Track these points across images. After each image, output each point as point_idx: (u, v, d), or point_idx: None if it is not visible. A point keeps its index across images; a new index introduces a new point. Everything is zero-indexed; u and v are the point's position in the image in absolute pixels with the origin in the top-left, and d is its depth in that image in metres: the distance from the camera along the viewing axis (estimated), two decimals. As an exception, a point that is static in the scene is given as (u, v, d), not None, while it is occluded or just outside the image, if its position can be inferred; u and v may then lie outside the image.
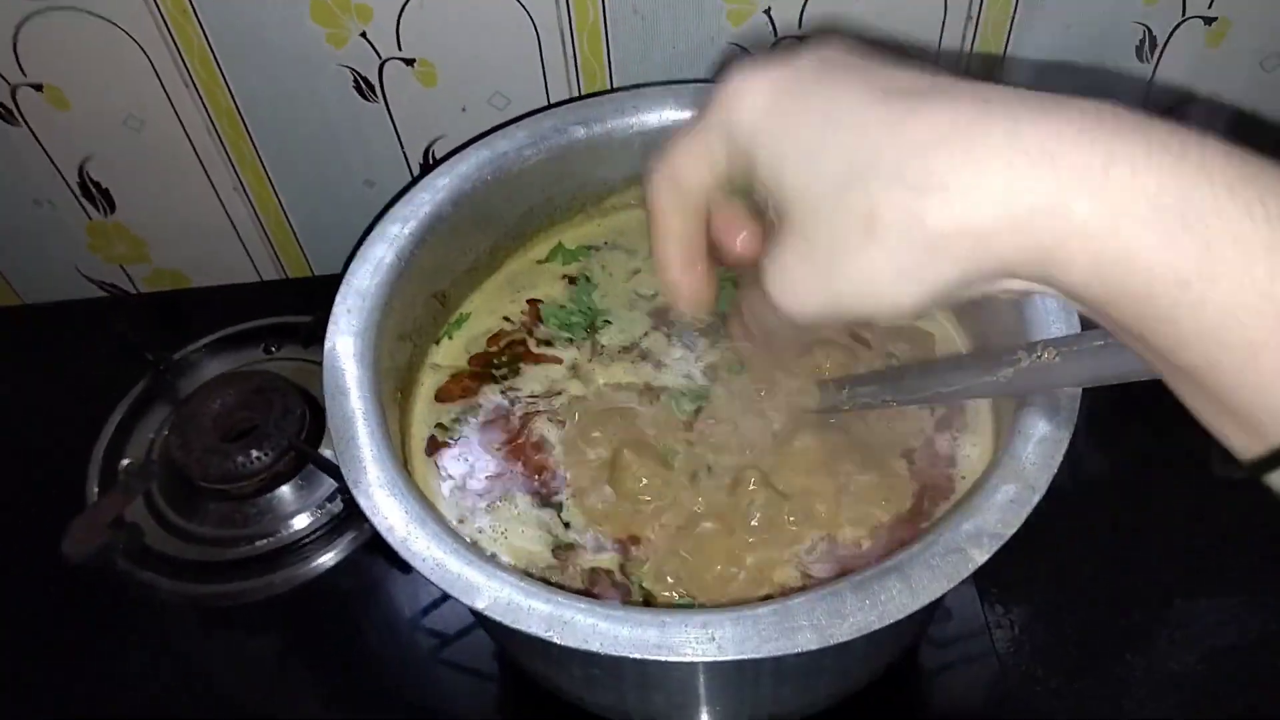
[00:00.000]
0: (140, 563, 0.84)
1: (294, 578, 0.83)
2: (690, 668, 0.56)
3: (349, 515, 0.86)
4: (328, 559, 0.84)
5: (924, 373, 0.62)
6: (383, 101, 0.90)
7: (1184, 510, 0.83)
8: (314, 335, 0.95)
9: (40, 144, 0.93)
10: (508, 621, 0.50)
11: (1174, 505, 0.84)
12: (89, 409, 0.94)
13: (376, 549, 0.85)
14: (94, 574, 0.83)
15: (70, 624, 0.83)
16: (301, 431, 0.88)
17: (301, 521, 0.86)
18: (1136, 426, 0.79)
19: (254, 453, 0.85)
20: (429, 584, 0.78)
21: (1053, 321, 0.61)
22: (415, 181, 0.73)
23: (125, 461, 0.91)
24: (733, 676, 0.59)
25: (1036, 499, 0.53)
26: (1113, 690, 0.77)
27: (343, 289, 0.65)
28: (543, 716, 0.75)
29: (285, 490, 0.87)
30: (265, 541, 0.85)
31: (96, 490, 0.89)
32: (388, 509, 0.55)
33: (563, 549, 0.63)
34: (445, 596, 0.78)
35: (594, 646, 0.49)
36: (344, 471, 0.56)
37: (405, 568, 0.82)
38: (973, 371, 0.56)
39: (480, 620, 0.73)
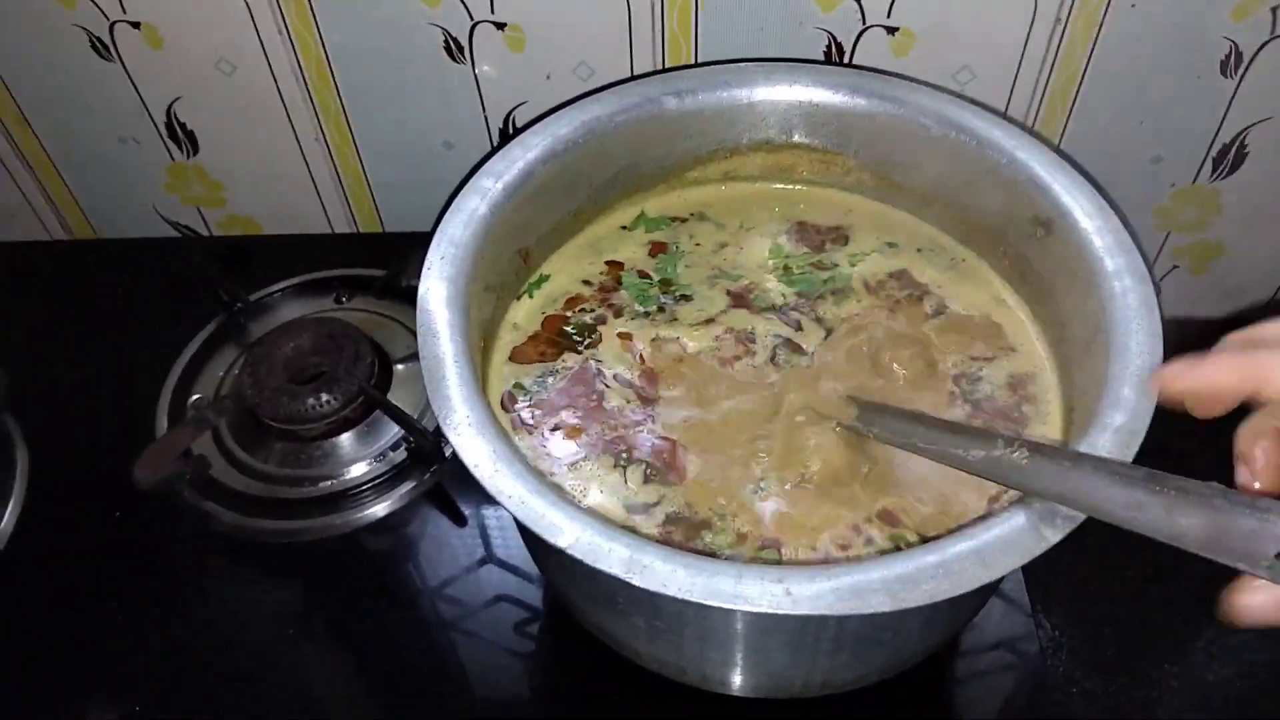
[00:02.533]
0: (204, 494, 0.86)
1: (350, 521, 0.85)
2: (754, 625, 0.58)
3: (410, 464, 0.87)
4: (383, 507, 0.86)
5: (912, 422, 0.64)
6: (470, 63, 0.91)
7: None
8: (387, 288, 0.98)
9: (132, 81, 0.96)
10: (589, 561, 0.52)
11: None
12: (160, 345, 0.96)
13: (434, 500, 0.87)
14: (160, 501, 0.85)
15: (136, 547, 0.85)
16: (372, 379, 0.89)
17: (361, 468, 0.88)
18: (1187, 434, 0.80)
19: (324, 396, 0.87)
20: (471, 544, 0.84)
21: (1133, 318, 0.61)
22: (502, 143, 0.75)
23: (195, 397, 0.93)
24: (794, 637, 0.60)
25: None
26: (1147, 695, 0.77)
27: (438, 236, 0.67)
28: (589, 672, 0.76)
29: (349, 436, 0.89)
30: (328, 484, 0.87)
31: (165, 423, 0.91)
32: (475, 447, 0.57)
33: (638, 509, 0.64)
34: (484, 560, 0.82)
35: (670, 590, 0.50)
36: (435, 410, 0.58)
37: (462, 520, 0.86)
38: (951, 440, 0.59)
39: (544, 565, 0.75)
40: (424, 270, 0.65)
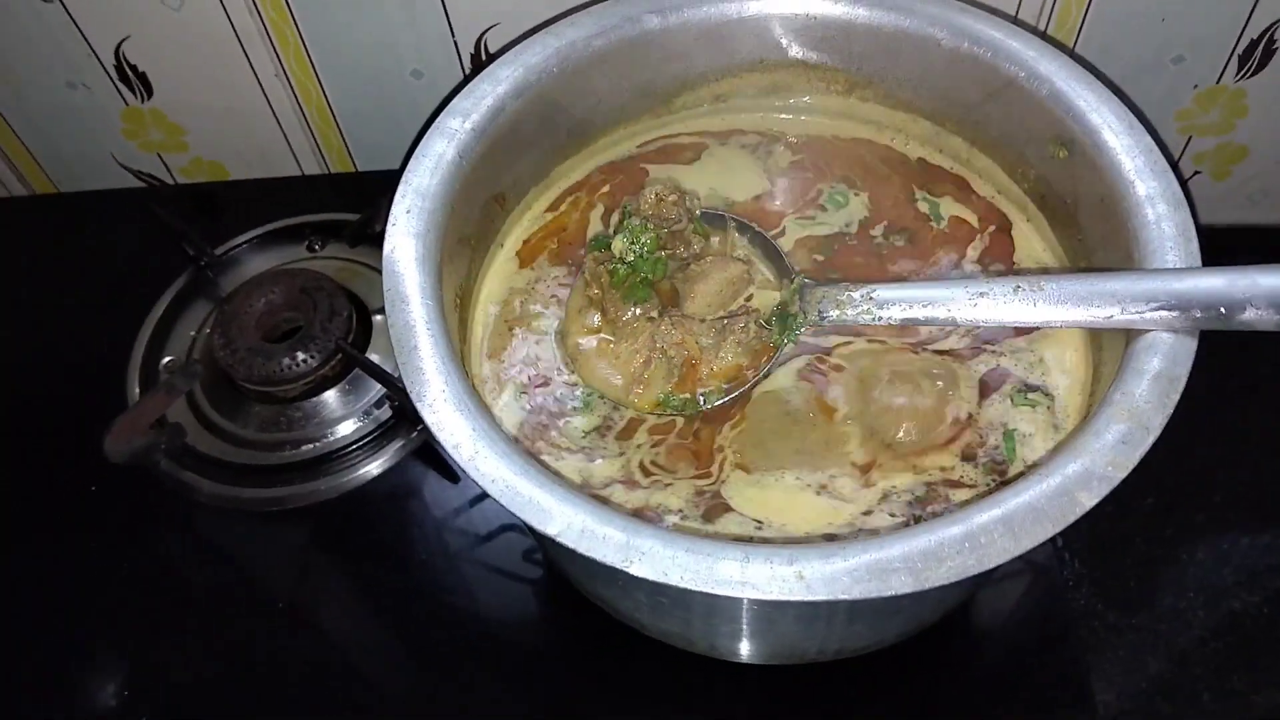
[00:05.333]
0: (182, 463, 0.82)
1: (339, 485, 0.81)
2: (764, 602, 0.54)
3: (396, 423, 0.83)
4: (373, 467, 0.82)
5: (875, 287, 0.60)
6: (436, -15, 0.84)
7: (1256, 446, 0.80)
8: (360, 234, 0.92)
9: (75, 22, 0.89)
10: (581, 549, 0.47)
11: (1245, 441, 0.80)
12: (129, 304, 0.91)
13: (424, 458, 0.83)
14: (136, 473, 0.81)
15: (112, 523, 0.81)
16: (349, 334, 0.84)
17: (347, 428, 0.83)
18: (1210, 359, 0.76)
19: (299, 355, 0.82)
20: (473, 489, 0.80)
21: (1169, 248, 0.56)
22: (474, 73, 0.68)
23: (167, 359, 0.88)
24: (806, 612, 0.56)
25: (1151, 440, 0.49)
26: (1170, 627, 0.74)
27: (401, 188, 0.61)
28: (594, 631, 0.72)
29: (331, 395, 0.84)
30: (310, 447, 0.82)
31: (138, 388, 0.86)
32: (453, 425, 0.52)
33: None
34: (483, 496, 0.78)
35: (673, 580, 0.46)
36: (407, 384, 0.53)
37: (455, 477, 0.82)
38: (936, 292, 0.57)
39: (540, 541, 0.71)
40: (389, 227, 0.59)
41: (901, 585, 0.46)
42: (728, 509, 0.59)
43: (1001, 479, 0.58)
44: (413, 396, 0.53)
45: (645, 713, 0.70)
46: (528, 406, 0.64)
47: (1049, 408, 0.61)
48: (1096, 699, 0.68)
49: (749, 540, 0.55)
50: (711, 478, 0.60)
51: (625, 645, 0.70)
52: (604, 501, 0.58)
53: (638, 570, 0.47)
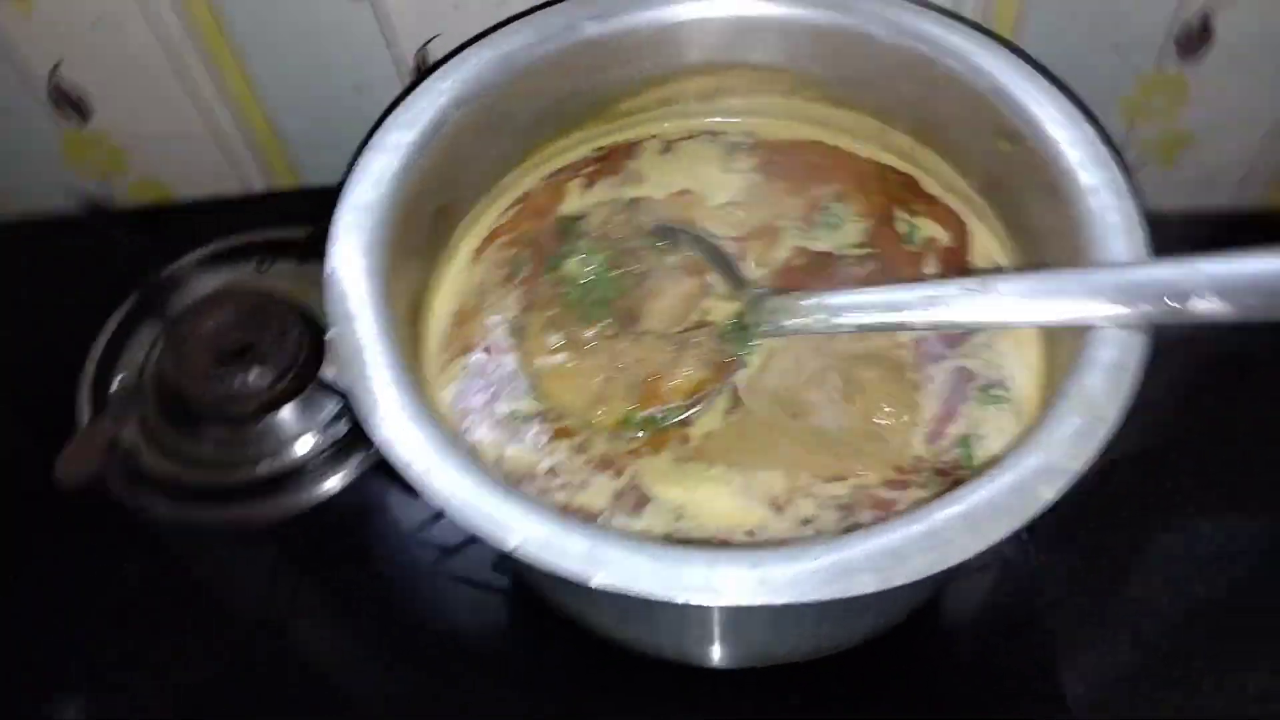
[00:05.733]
0: (136, 487, 0.80)
1: (298, 502, 0.80)
2: (730, 608, 0.53)
3: (355, 437, 0.82)
4: (334, 483, 0.81)
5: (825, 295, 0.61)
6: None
7: (1214, 433, 0.81)
8: (310, 250, 0.90)
9: (5, 47, 0.87)
10: (543, 562, 0.47)
11: (1204, 428, 0.81)
12: (76, 329, 0.89)
13: (385, 471, 0.81)
14: (89, 499, 0.79)
15: (66, 550, 0.79)
16: (301, 352, 0.83)
17: (305, 444, 0.82)
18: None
19: (252, 374, 0.81)
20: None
21: (1112, 238, 0.56)
22: (413, 86, 0.67)
23: (118, 380, 0.86)
24: (774, 615, 0.55)
25: (1107, 431, 0.49)
26: (1137, 616, 0.74)
27: (341, 205, 0.60)
28: (563, 640, 0.72)
29: (286, 412, 0.83)
30: (267, 465, 0.81)
31: (88, 413, 0.84)
32: (406, 441, 0.51)
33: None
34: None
35: (638, 589, 0.46)
36: (354, 403, 0.52)
37: (413, 491, 0.81)
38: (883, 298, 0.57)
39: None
40: (330, 242, 0.58)
41: (866, 585, 0.46)
42: (647, 500, 0.59)
43: (954, 482, 0.58)
44: (363, 418, 0.52)
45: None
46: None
47: (1010, 404, 0.61)
48: (1066, 690, 0.68)
49: (711, 546, 0.55)
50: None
51: (594, 654, 0.69)
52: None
53: (600, 581, 0.46)
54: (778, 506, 0.58)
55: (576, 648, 0.71)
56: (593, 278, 0.65)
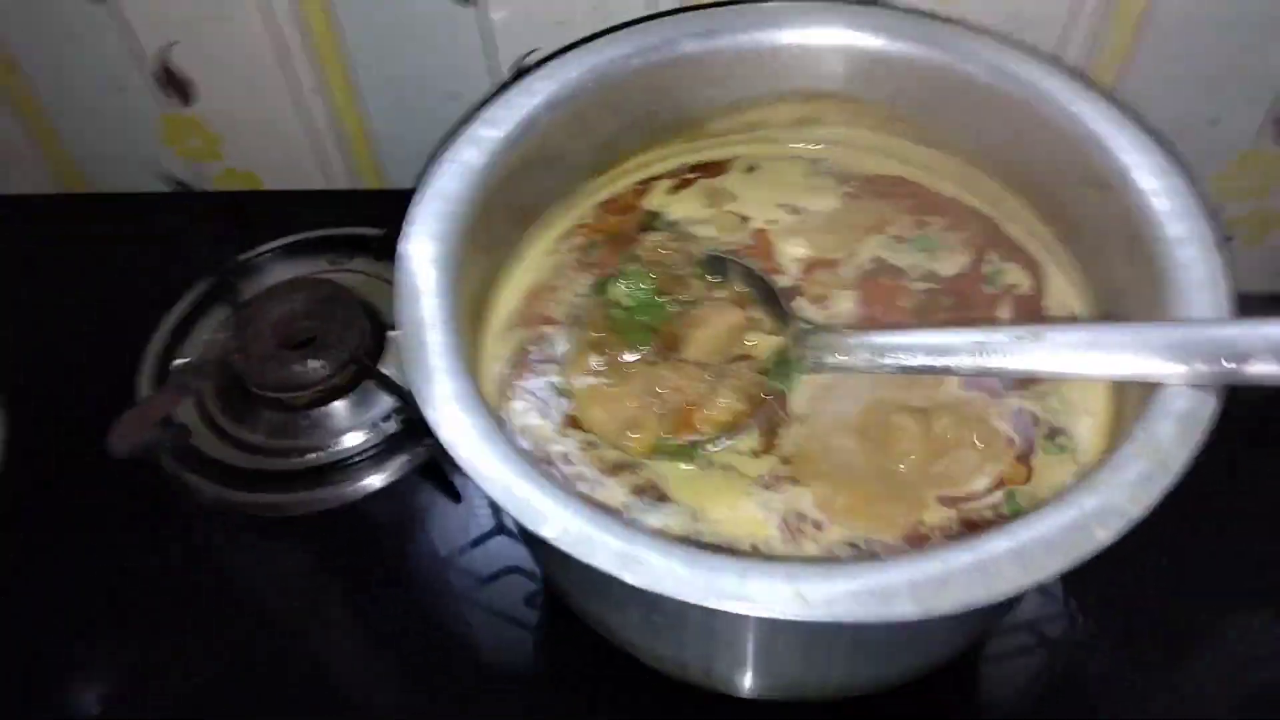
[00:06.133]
0: (185, 464, 0.81)
1: (340, 495, 0.80)
2: (762, 623, 0.52)
3: (402, 437, 0.82)
4: (376, 480, 0.80)
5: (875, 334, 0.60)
6: (477, 7, 0.85)
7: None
8: (386, 249, 0.90)
9: (123, 26, 0.90)
10: (577, 554, 0.46)
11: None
12: (148, 305, 0.91)
13: (429, 474, 0.81)
14: (139, 470, 0.80)
15: (111, 518, 0.80)
16: (363, 346, 0.84)
17: (353, 439, 0.82)
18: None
19: (312, 363, 0.81)
20: (479, 515, 0.78)
21: (1195, 291, 0.54)
22: (507, 85, 0.68)
23: (180, 361, 0.88)
24: (808, 638, 0.54)
25: (1171, 480, 0.47)
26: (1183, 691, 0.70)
27: (424, 190, 0.61)
28: (583, 665, 0.71)
29: (340, 405, 0.84)
30: (315, 455, 0.81)
31: (147, 389, 0.86)
32: (455, 424, 0.51)
33: None
34: (495, 531, 0.77)
35: (665, 589, 0.45)
36: (411, 380, 0.52)
37: (456, 496, 0.80)
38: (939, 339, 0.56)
39: (535, 550, 0.70)
40: (406, 226, 0.59)
41: (904, 610, 0.44)
42: (666, 498, 0.58)
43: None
44: (416, 393, 0.52)
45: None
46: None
47: (1073, 455, 0.59)
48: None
49: (748, 555, 0.53)
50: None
51: (622, 686, 0.68)
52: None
53: (633, 579, 0.45)
54: (791, 531, 0.56)
55: (601, 678, 0.70)
56: (638, 302, 0.65)
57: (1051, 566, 0.45)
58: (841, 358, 0.60)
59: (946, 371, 0.58)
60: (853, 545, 0.56)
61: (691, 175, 0.75)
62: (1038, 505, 0.55)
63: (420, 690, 0.72)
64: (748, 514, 0.57)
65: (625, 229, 0.72)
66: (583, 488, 0.58)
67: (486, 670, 0.73)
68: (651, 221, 0.71)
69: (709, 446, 0.60)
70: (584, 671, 0.71)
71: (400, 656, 0.73)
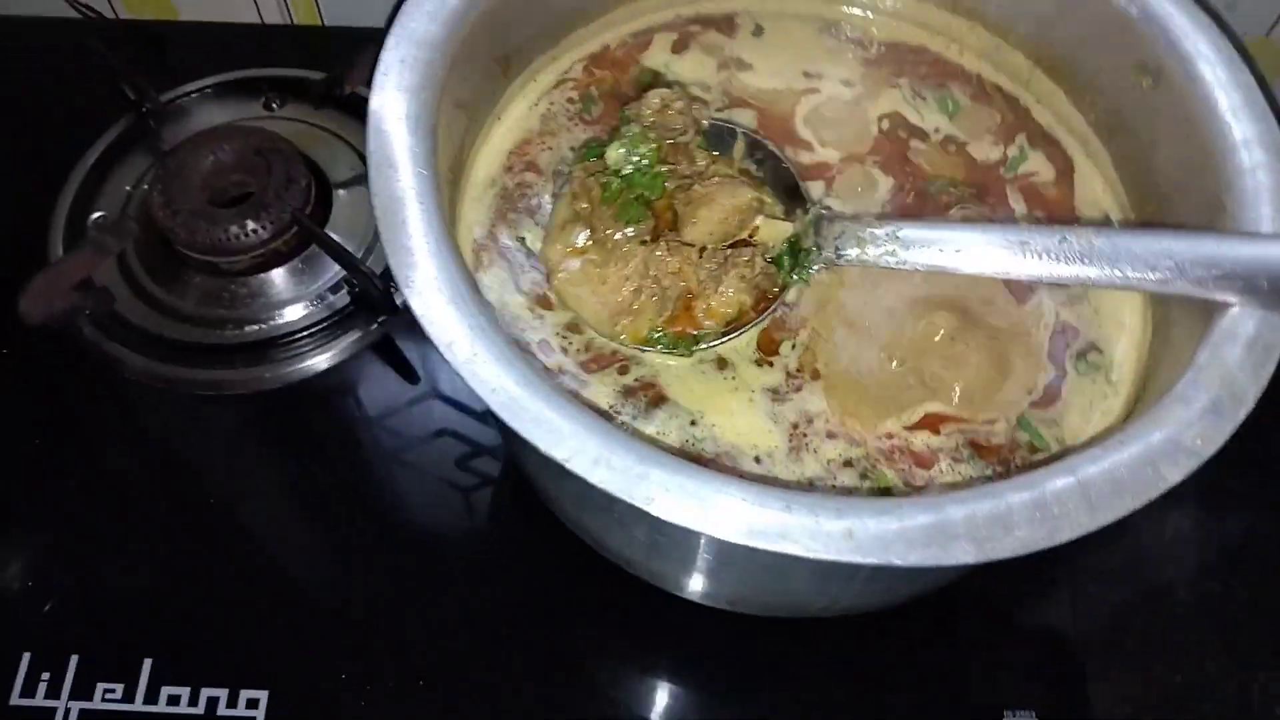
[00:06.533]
0: (108, 333, 0.72)
1: (281, 374, 0.72)
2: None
3: (354, 311, 0.74)
4: (322, 359, 0.73)
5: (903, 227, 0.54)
6: None
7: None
8: (327, 95, 0.82)
9: None
10: (594, 480, 0.40)
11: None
12: (58, 149, 0.81)
13: (383, 353, 0.74)
14: (56, 338, 0.71)
15: (26, 390, 0.72)
16: (307, 205, 0.75)
17: (297, 312, 0.74)
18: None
19: (249, 223, 0.73)
20: (440, 399, 0.72)
21: (1264, 201, 0.49)
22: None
23: (97, 215, 0.78)
24: (828, 567, 0.49)
25: (1244, 413, 0.43)
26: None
27: (395, 33, 0.52)
28: (545, 545, 0.66)
29: (282, 273, 0.75)
30: (254, 329, 0.74)
31: (62, 245, 0.76)
32: (446, 319, 0.44)
33: None
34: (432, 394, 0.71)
35: (703, 527, 0.39)
36: (392, 265, 0.45)
37: (415, 377, 0.74)
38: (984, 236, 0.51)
39: (508, 439, 0.64)
40: (377, 77, 0.50)
41: (963, 554, 0.39)
42: (664, 399, 0.53)
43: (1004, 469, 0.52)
44: (399, 280, 0.45)
45: (597, 638, 0.65)
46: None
47: (1105, 374, 0.54)
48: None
49: (788, 486, 0.48)
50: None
51: (564, 560, 0.64)
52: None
53: (659, 510, 0.40)
54: (797, 438, 0.52)
55: (550, 549, 0.65)
56: (636, 171, 0.57)
57: (1118, 508, 0.41)
58: (863, 251, 0.54)
59: (979, 273, 0.52)
60: (849, 463, 0.52)
61: (693, 29, 0.67)
62: (1062, 433, 0.52)
63: (363, 567, 0.67)
64: (752, 422, 0.52)
65: (622, 86, 0.64)
66: (567, 383, 0.52)
67: (432, 541, 0.68)
68: (653, 81, 0.63)
69: (709, 341, 0.54)
70: (530, 534, 0.67)
71: (338, 532, 0.68)
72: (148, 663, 0.61)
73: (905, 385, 0.54)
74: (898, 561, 0.39)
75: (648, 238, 0.55)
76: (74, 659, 0.61)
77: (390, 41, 0.52)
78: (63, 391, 0.72)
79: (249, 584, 0.65)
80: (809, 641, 0.62)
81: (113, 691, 0.60)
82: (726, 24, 0.67)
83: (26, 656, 0.61)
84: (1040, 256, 0.50)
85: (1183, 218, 0.54)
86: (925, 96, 0.64)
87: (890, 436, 0.53)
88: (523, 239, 0.58)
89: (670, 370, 0.54)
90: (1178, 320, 0.52)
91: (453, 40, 0.53)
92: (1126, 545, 0.68)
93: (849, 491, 0.51)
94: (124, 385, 0.71)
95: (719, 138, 0.60)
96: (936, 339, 0.54)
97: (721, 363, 0.54)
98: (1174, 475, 0.42)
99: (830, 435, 0.52)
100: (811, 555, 0.39)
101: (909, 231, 0.53)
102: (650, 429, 0.52)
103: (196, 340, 0.73)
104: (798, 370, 0.54)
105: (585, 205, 0.56)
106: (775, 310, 0.55)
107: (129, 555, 0.66)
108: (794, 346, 0.55)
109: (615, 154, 0.56)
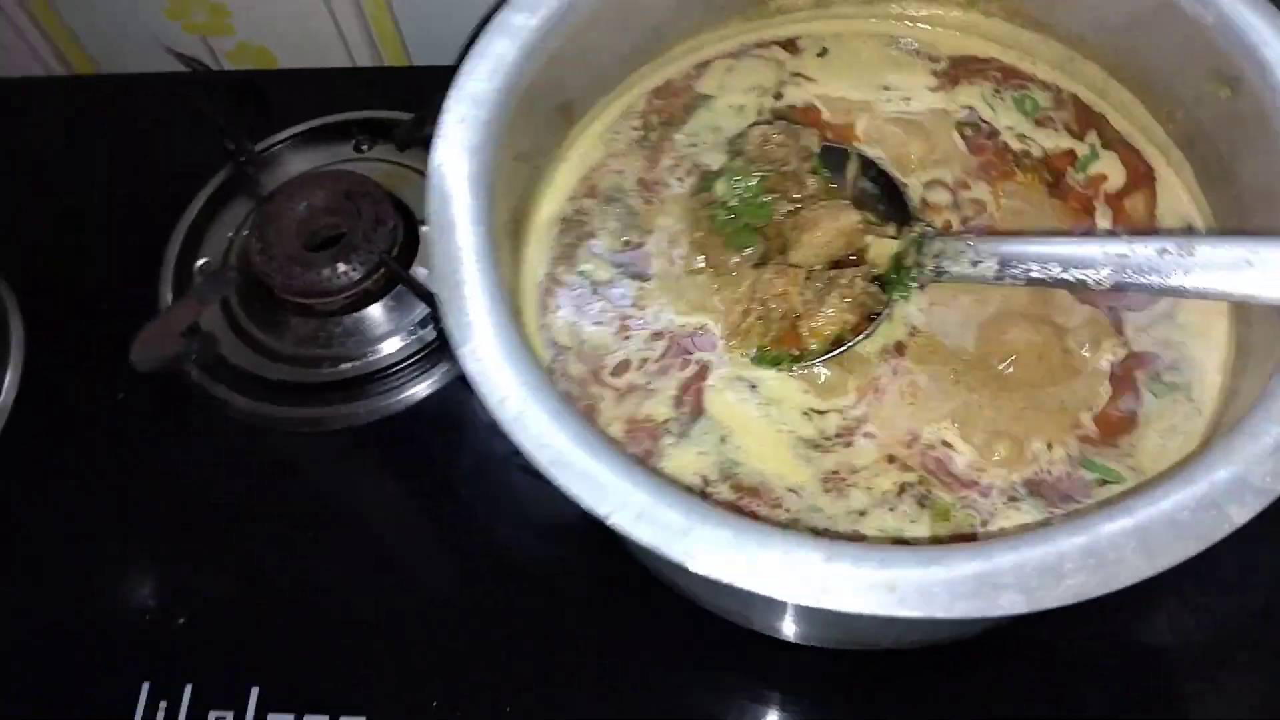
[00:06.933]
0: (215, 376, 0.77)
1: (380, 407, 0.76)
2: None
3: (441, 345, 0.77)
4: (419, 390, 0.76)
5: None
6: None
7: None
8: (412, 136, 0.85)
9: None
10: (638, 536, 0.41)
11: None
12: (164, 199, 0.85)
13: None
14: (165, 384, 0.76)
15: (139, 434, 0.76)
16: (394, 246, 0.78)
17: (392, 346, 0.78)
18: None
19: (341, 266, 0.76)
20: None
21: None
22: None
23: (202, 261, 0.83)
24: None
25: (1320, 447, 0.41)
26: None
27: (454, 93, 0.54)
28: (631, 596, 0.67)
29: (375, 310, 0.79)
30: (350, 365, 0.77)
31: (170, 292, 0.81)
32: (498, 378, 0.45)
33: None
34: None
35: (743, 583, 0.40)
36: (447, 326, 0.47)
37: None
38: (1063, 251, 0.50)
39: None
40: (436, 140, 0.52)
41: (1011, 605, 0.39)
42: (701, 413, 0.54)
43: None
44: (453, 341, 0.46)
45: (672, 668, 0.65)
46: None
47: (1187, 395, 0.53)
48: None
49: (829, 536, 0.48)
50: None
51: (665, 607, 0.64)
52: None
53: (699, 567, 0.40)
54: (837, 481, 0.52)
55: (645, 601, 0.66)
56: (743, 201, 0.58)
57: (1179, 552, 0.40)
58: (964, 267, 0.53)
59: (1082, 286, 0.50)
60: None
61: (756, 51, 0.67)
62: (1138, 465, 0.50)
63: (464, 612, 0.68)
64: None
65: (675, 113, 0.65)
66: (635, 399, 0.54)
67: (531, 581, 0.69)
68: (701, 103, 0.64)
69: (812, 358, 0.55)
70: (630, 585, 0.67)
71: (449, 571, 0.70)
72: (254, 690, 0.65)
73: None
74: (941, 614, 0.39)
75: (756, 261, 0.57)
76: (188, 687, 0.65)
77: (450, 100, 0.54)
78: (173, 432, 0.76)
79: (348, 612, 0.68)
80: (894, 673, 0.62)
81: (223, 718, 0.64)
82: (789, 47, 0.67)
83: (145, 686, 0.65)
84: (1141, 267, 0.49)
85: (1264, 231, 0.51)
86: (1004, 98, 0.63)
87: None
88: (583, 271, 0.59)
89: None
90: (1259, 341, 0.50)
91: (510, 95, 0.54)
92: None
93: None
94: (229, 424, 0.76)
95: (834, 158, 0.60)
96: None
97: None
98: (1239, 516, 0.40)
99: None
100: (853, 610, 0.39)
101: (1009, 248, 0.52)
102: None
103: (296, 379, 0.77)
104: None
105: (699, 234, 0.59)
106: (878, 327, 0.55)
107: (237, 585, 0.70)
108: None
109: (721, 188, 0.59)
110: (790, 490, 0.51)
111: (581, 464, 0.43)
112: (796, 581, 0.40)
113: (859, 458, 0.52)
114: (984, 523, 0.50)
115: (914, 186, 0.60)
